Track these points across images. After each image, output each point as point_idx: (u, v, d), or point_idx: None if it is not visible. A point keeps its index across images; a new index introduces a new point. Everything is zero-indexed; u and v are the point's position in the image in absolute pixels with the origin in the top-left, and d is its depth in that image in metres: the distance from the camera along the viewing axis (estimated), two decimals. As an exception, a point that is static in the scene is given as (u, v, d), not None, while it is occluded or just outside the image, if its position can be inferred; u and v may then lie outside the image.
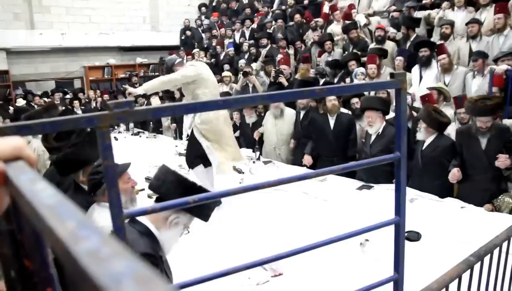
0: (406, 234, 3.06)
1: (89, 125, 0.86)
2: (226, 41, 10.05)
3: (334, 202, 3.88)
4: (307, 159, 5.00)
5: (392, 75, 1.30)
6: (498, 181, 3.78)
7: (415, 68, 5.68)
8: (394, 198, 1.37)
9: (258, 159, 5.25)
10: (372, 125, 4.29)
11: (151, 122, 7.99)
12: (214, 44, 10.52)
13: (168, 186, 1.73)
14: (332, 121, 4.86)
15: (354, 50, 6.96)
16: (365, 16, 7.63)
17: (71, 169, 2.46)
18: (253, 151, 5.38)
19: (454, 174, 3.79)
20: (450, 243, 2.97)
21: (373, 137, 4.36)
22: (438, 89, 4.94)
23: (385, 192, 3.99)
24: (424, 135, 4.05)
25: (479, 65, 5.10)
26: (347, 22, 7.58)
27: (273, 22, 9.35)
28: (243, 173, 4.77)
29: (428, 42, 5.82)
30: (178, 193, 1.68)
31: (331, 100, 4.77)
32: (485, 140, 3.78)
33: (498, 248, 2.19)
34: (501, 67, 4.73)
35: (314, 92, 1.31)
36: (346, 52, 7.12)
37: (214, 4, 12.75)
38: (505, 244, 2.26)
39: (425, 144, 4.07)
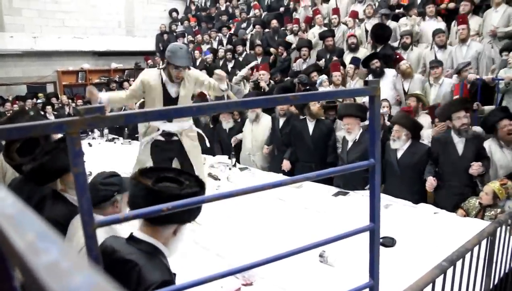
0: (381, 240, 3.10)
1: (59, 131, 0.83)
2: (204, 47, 10.03)
3: (310, 208, 3.89)
4: (286, 164, 5.04)
5: (366, 82, 1.32)
6: (474, 186, 3.88)
7: (369, 78, 5.81)
8: (369, 204, 1.38)
9: (234, 165, 5.23)
10: (350, 132, 4.32)
11: (126, 128, 7.86)
12: (191, 49, 10.48)
13: (139, 200, 1.55)
14: (311, 127, 4.90)
15: (333, 58, 7.04)
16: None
17: (48, 178, 2.35)
18: (229, 158, 5.36)
19: (432, 183, 3.87)
20: (424, 248, 3.01)
21: (350, 144, 4.40)
22: (417, 97, 5.03)
23: (361, 198, 4.03)
24: (402, 143, 4.10)
25: (439, 72, 5.28)
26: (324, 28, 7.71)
27: (251, 28, 9.38)
28: (220, 179, 4.74)
29: (376, 55, 6.01)
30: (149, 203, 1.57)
31: (316, 104, 4.80)
32: (461, 146, 3.89)
33: (469, 253, 2.24)
34: (471, 76, 4.89)
35: (289, 98, 1.31)
36: (323, 60, 7.20)
37: (193, 8, 12.71)
38: (476, 249, 2.31)
39: (401, 152, 4.13)
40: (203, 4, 12.47)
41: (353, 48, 6.92)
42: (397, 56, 5.71)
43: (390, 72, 5.85)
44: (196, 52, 9.94)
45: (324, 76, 6.16)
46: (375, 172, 1.35)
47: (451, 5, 6.72)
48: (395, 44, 6.65)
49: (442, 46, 5.86)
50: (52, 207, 2.34)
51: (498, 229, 2.51)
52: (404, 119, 4.19)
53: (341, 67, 6.26)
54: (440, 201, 3.92)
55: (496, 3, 5.82)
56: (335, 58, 7.01)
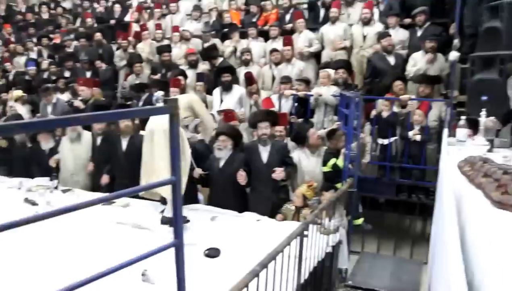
0: (206, 252, 3.19)
1: None
2: (21, 59, 8.97)
3: (141, 227, 3.78)
4: (104, 179, 4.88)
5: (165, 101, 1.33)
6: (278, 191, 4.27)
7: (216, 92, 6.06)
8: (173, 221, 1.39)
9: (56, 187, 4.78)
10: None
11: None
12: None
13: None
14: (124, 143, 4.78)
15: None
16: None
17: None
18: (50, 179, 4.88)
19: (241, 175, 4.09)
20: (247, 255, 3.15)
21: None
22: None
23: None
24: (227, 152, 4.29)
25: (285, 88, 5.79)
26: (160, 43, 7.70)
27: (75, 41, 8.81)
28: (37, 204, 4.27)
29: (229, 68, 6.28)
30: None
31: (124, 121, 4.70)
32: (266, 154, 4.29)
33: (281, 254, 2.44)
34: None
35: (79, 119, 1.25)
36: (159, 75, 7.14)
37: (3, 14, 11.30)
38: (287, 249, 2.53)
39: (223, 161, 4.31)
40: (23, 10, 11.17)
41: (193, 64, 7.05)
42: (246, 79, 6.01)
43: (238, 89, 6.05)
44: (8, 64, 8.84)
45: (160, 93, 6.03)
46: (176, 189, 1.37)
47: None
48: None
49: (278, 63, 6.41)
50: None
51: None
52: (230, 129, 4.44)
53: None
54: (253, 207, 4.22)
55: (300, 31, 6.67)
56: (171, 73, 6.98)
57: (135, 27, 8.56)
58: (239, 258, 3.13)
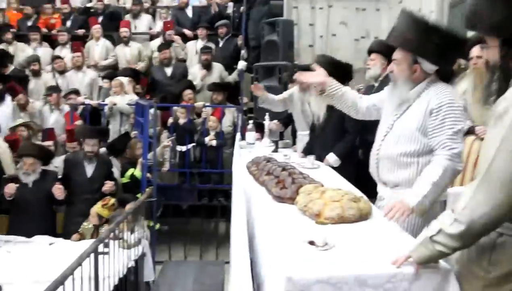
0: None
1: None
2: None
3: None
4: None
5: None
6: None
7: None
8: None
9: None
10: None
11: None
12: None
13: None
14: None
15: None
16: None
17: None
18: None
19: (59, 188, 3.89)
20: (37, 287, 2.79)
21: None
22: (27, 125, 4.90)
23: None
24: (37, 176, 4.02)
25: (54, 99, 5.35)
26: None
27: None
28: None
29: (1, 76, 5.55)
30: None
31: None
32: (91, 169, 4.13)
33: (70, 277, 2.21)
34: (80, 99, 5.33)
35: None
36: None
37: None
38: (78, 271, 2.30)
39: (31, 184, 3.99)
40: None
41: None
42: (13, 90, 5.33)
43: (9, 99, 5.31)
44: None
45: None
46: None
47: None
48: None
49: (62, 72, 5.98)
50: None
51: (100, 246, 2.63)
52: (37, 150, 4.10)
53: None
54: (68, 226, 4.01)
55: (96, 37, 6.42)
56: None
57: None
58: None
